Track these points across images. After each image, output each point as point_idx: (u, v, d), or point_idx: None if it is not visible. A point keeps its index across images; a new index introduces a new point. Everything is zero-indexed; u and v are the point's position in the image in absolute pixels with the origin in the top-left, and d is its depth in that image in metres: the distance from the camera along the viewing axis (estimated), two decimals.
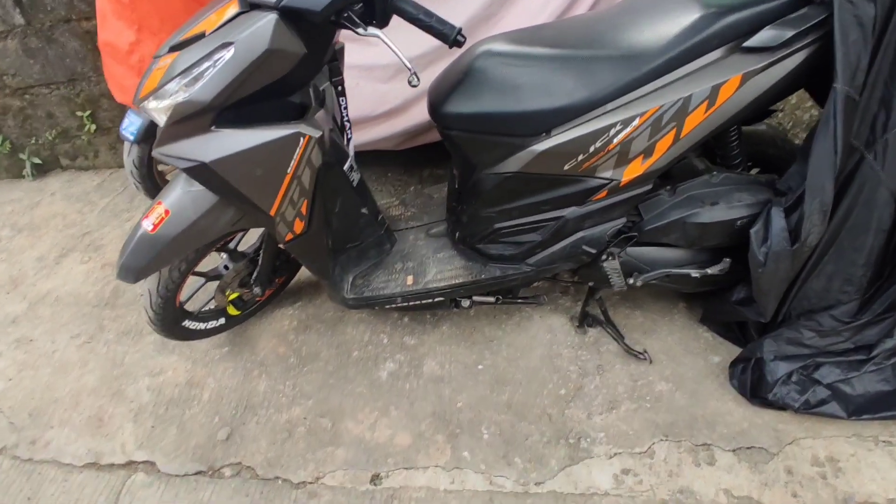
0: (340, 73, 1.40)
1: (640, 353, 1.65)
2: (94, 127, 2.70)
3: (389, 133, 2.02)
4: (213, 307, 1.76)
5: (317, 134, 1.19)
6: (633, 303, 1.85)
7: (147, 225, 1.27)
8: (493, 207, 1.39)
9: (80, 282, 2.18)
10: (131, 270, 1.29)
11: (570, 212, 1.34)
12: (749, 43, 1.14)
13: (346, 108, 1.47)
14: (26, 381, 1.81)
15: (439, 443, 1.56)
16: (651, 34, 1.18)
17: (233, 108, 1.14)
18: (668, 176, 1.40)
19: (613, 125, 1.19)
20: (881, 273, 1.39)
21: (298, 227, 1.35)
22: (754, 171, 1.59)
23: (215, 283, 1.67)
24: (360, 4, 1.03)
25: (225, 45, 1.05)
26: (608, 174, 1.27)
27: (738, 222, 1.34)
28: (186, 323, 1.67)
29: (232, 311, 1.76)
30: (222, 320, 1.79)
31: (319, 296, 2.00)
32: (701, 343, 1.72)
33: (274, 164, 1.19)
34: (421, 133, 2.06)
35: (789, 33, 1.12)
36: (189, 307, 1.72)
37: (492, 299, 1.59)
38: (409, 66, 1.03)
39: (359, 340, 1.84)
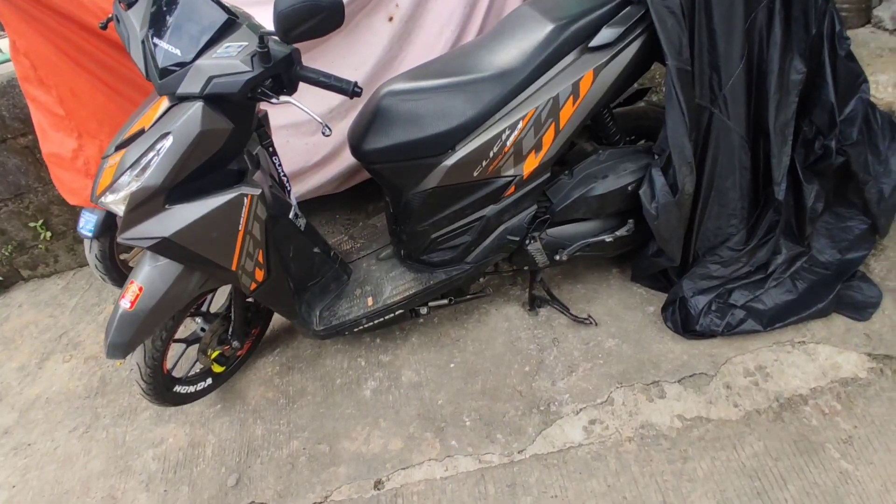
0: (269, 136, 1.60)
1: (585, 319, 1.87)
2: (48, 234, 2.81)
3: (327, 178, 2.22)
4: (199, 369, 1.89)
5: (257, 191, 1.38)
6: (573, 278, 2.07)
7: (125, 304, 1.42)
8: (426, 221, 1.60)
9: (66, 380, 2.27)
10: (118, 347, 1.43)
11: (489, 210, 1.56)
12: (593, 43, 1.39)
13: (279, 165, 1.66)
14: (33, 482, 1.89)
15: (428, 439, 1.72)
16: (517, 52, 1.42)
17: (181, 186, 1.31)
18: (565, 162, 1.63)
19: (503, 131, 1.42)
20: (757, 202, 1.66)
21: (259, 275, 1.52)
22: (641, 142, 1.84)
23: (196, 347, 1.81)
24: (270, 80, 1.24)
25: (164, 136, 1.24)
26: (511, 172, 1.50)
27: (629, 187, 1.58)
28: (177, 388, 1.80)
29: (217, 368, 1.90)
30: (209, 380, 1.93)
31: (295, 339, 2.15)
32: (637, 299, 1.95)
33: (226, 224, 1.37)
34: (355, 173, 2.27)
35: (621, 29, 1.38)
36: (177, 374, 1.86)
37: (445, 301, 1.78)
38: (319, 120, 1.24)
39: (339, 368, 2.00)
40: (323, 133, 1.24)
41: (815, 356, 1.66)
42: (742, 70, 1.45)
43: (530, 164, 1.49)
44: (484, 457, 1.64)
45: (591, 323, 1.87)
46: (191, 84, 1.20)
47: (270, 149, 1.61)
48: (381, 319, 1.74)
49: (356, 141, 1.52)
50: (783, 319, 1.67)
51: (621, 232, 1.65)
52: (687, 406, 1.62)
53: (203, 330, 1.81)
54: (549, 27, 1.40)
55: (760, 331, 1.68)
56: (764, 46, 1.45)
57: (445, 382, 1.86)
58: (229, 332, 1.84)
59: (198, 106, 1.23)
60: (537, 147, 1.47)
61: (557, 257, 1.70)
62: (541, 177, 1.53)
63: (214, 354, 1.85)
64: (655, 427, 1.60)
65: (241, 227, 1.39)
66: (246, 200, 1.36)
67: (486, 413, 1.75)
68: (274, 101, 1.24)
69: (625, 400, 1.67)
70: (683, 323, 1.74)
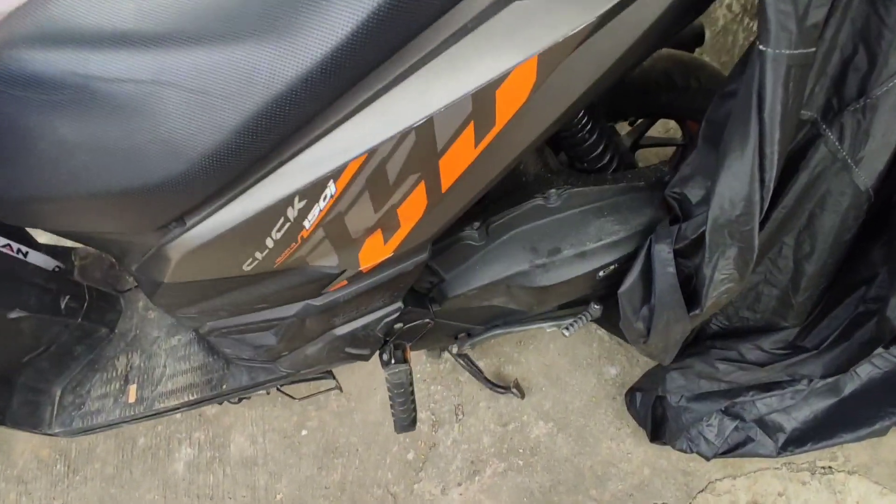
0: None
1: (506, 388, 1.20)
2: None
3: None
4: None
5: None
6: None
7: None
8: (183, 309, 0.78)
9: None
10: None
11: (302, 308, 0.75)
12: None
13: None
14: None
15: None
16: None
17: None
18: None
19: (289, 200, 0.54)
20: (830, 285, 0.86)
21: None
22: (644, 168, 0.87)
23: None
24: None
25: None
26: (331, 263, 0.65)
27: (601, 272, 0.76)
28: None
29: None
30: None
31: None
32: (592, 350, 1.25)
33: None
34: None
35: None
36: None
37: (263, 392, 1.05)
38: None
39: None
40: None
41: (844, 495, 1.07)
42: None
43: (373, 252, 0.64)
44: None
45: (515, 394, 1.20)
46: None
47: None
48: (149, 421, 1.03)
49: None
50: (817, 440, 1.02)
51: (575, 328, 0.87)
52: None
53: None
54: None
55: (772, 456, 1.05)
56: None
57: (291, 463, 1.25)
58: None
59: None
60: (387, 225, 0.60)
61: (454, 349, 0.95)
62: (402, 264, 0.68)
63: None
64: None
65: None
66: None
67: None
68: None
69: None
70: (655, 428, 1.09)
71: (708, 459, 1.05)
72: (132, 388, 1.02)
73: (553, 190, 0.73)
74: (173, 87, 0.49)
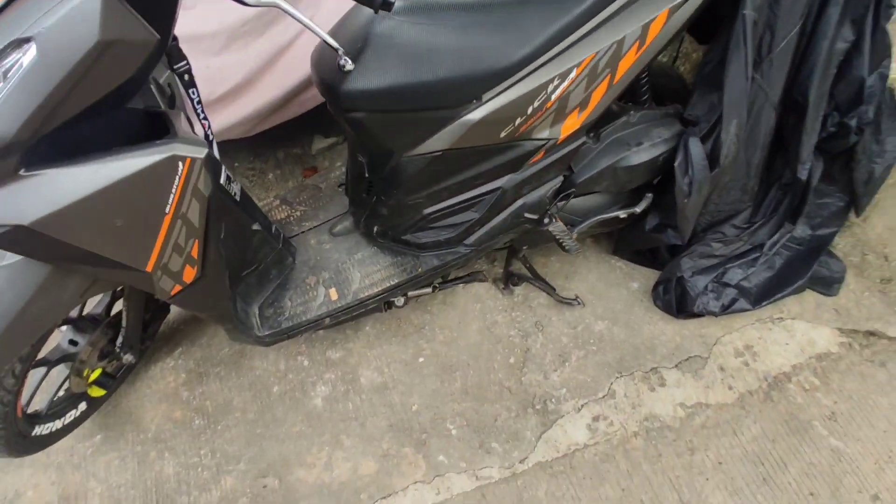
0: (184, 57, 1.02)
1: (572, 300, 1.66)
2: None
3: (238, 118, 1.62)
4: (65, 394, 1.30)
5: (201, 153, 0.85)
6: (545, 251, 1.83)
7: None
8: (420, 193, 1.20)
9: None
10: None
11: (507, 181, 1.21)
12: None
13: (199, 101, 1.10)
14: None
15: (409, 456, 1.41)
16: None
17: (49, 136, 0.74)
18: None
19: (551, 80, 1.06)
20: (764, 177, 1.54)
21: (189, 275, 1.00)
22: (672, 106, 1.54)
23: (61, 368, 1.22)
24: None
25: (19, 43, 0.65)
26: (546, 133, 1.15)
27: (661, 158, 1.34)
28: (38, 430, 1.21)
29: (96, 392, 1.32)
30: (83, 405, 1.35)
31: (203, 332, 1.62)
32: (618, 274, 1.79)
33: (143, 206, 0.84)
34: (276, 111, 1.70)
35: None
36: (35, 407, 1.25)
37: (429, 290, 1.42)
38: (332, 43, 0.75)
39: (274, 372, 1.55)
40: (342, 68, 0.76)
41: (793, 332, 1.66)
42: (797, 32, 1.25)
43: (570, 125, 1.16)
44: (481, 472, 1.38)
45: (578, 304, 1.66)
46: None
47: (187, 76, 1.04)
48: (347, 316, 1.33)
49: (331, 75, 1.03)
50: (769, 297, 1.63)
51: (640, 208, 1.42)
52: (687, 393, 1.53)
53: (74, 343, 1.22)
54: None
55: (750, 310, 1.63)
56: (818, 4, 1.26)
57: (417, 382, 1.54)
58: (118, 343, 1.27)
59: None
60: (583, 104, 1.13)
61: (574, 234, 1.43)
62: (575, 141, 1.21)
63: (95, 375, 1.28)
64: (659, 418, 1.48)
65: (169, 210, 0.86)
66: (182, 167, 0.83)
67: (474, 417, 1.48)
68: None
69: (626, 391, 1.53)
70: (679, 303, 1.62)
71: (717, 315, 1.60)
72: (332, 291, 1.32)
73: (632, 112, 1.32)
74: (501, 17, 1.01)
